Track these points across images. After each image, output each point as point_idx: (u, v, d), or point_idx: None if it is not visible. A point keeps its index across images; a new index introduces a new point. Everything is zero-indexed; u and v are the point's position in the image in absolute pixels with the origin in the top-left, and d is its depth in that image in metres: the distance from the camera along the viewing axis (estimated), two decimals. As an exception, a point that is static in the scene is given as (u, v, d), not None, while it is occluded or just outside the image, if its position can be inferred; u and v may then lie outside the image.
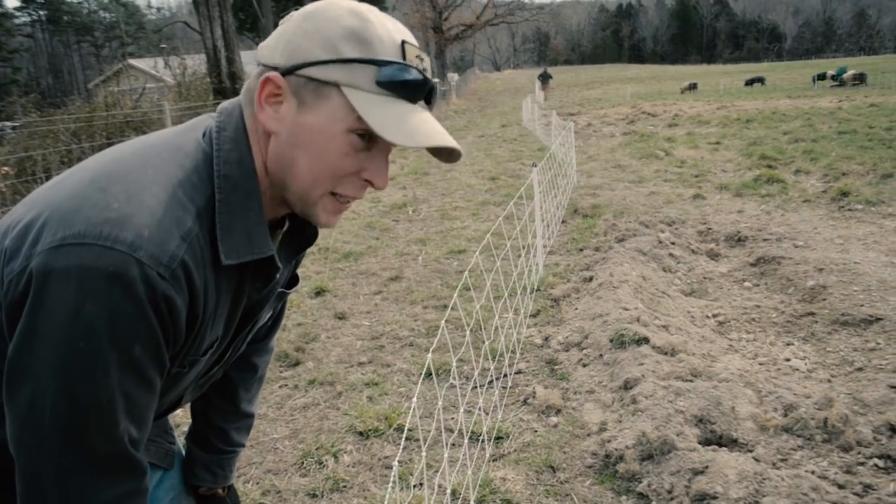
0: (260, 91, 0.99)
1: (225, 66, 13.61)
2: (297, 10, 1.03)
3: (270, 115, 0.99)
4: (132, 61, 36.47)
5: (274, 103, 0.99)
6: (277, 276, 1.11)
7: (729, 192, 8.50)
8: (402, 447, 3.17)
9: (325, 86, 0.96)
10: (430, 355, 2.64)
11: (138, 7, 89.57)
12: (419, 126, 0.98)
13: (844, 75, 30.28)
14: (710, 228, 6.59)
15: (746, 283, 5.29)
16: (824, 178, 8.78)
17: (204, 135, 1.03)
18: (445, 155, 1.08)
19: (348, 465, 3.16)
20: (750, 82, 34.25)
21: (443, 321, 3.25)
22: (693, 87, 32.79)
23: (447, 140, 1.00)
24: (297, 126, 0.98)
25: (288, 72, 0.97)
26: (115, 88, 14.31)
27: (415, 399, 2.34)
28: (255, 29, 34.36)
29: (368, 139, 0.99)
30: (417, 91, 1.00)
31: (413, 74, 0.98)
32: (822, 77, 32.10)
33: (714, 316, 4.69)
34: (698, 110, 19.10)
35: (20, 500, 0.93)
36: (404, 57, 0.98)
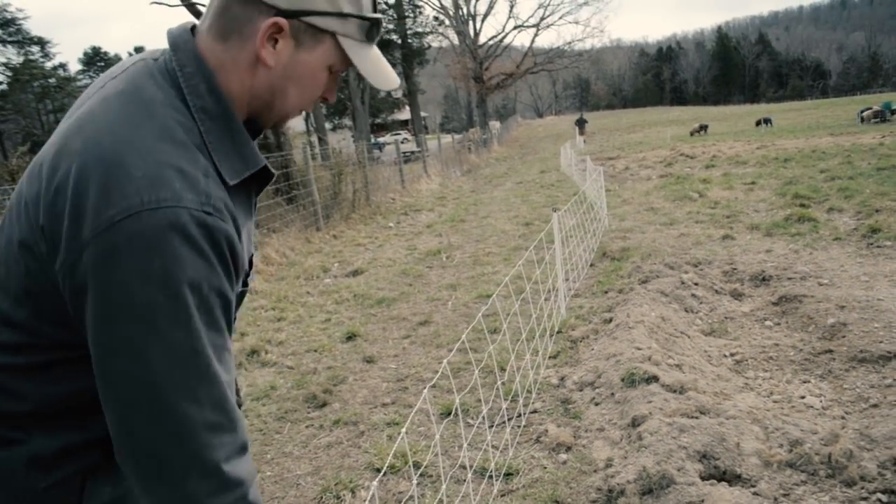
0: (263, 30, 1.12)
1: (268, 121, 14.13)
2: None
3: (269, 52, 1.13)
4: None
5: (271, 42, 1.14)
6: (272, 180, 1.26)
7: (759, 232, 8.51)
8: (416, 483, 3.31)
9: (322, 33, 1.15)
10: (424, 393, 2.80)
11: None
12: (384, 71, 1.24)
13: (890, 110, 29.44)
14: (735, 269, 6.63)
15: (767, 322, 5.33)
16: (857, 215, 8.73)
17: (161, 76, 1.12)
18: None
19: (365, 501, 3.31)
20: (759, 123, 33.87)
21: (447, 361, 3.41)
22: (703, 129, 32.44)
23: (397, 83, 1.25)
24: (293, 62, 1.16)
25: (289, 15, 1.12)
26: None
27: (436, 436, 2.49)
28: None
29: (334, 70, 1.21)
30: (379, 35, 1.24)
31: (381, 24, 1.22)
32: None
33: (732, 355, 4.75)
34: (737, 150, 19.05)
35: (137, 479, 1.01)
36: (375, 10, 1.21)
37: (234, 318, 1.15)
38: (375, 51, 1.24)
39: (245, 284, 1.19)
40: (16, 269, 1.06)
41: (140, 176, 0.97)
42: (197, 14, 13.77)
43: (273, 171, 1.25)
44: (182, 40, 1.16)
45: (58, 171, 1.01)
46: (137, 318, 0.95)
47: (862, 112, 29.03)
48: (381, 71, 1.23)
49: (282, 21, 1.11)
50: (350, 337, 6.07)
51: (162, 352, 0.96)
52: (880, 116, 27.73)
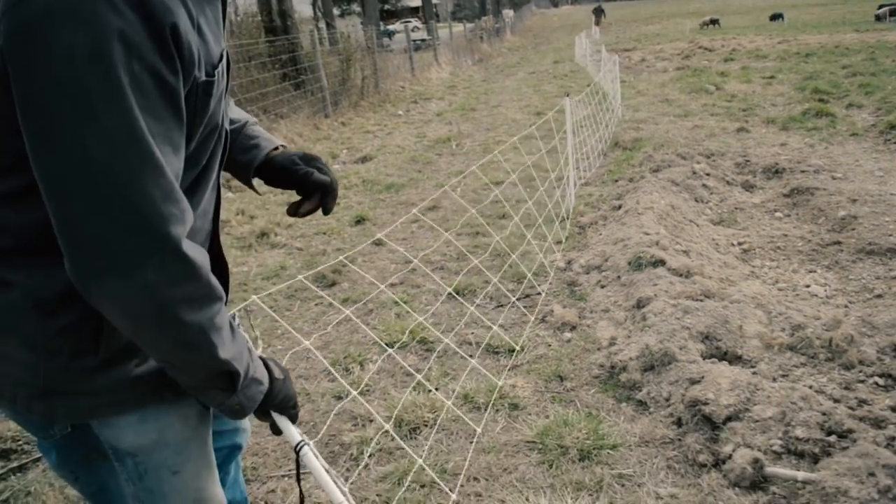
0: None
1: (275, 4, 13.70)
2: None
3: None
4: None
5: None
6: None
7: (775, 126, 8.36)
8: (422, 359, 3.40)
9: None
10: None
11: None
12: None
13: None
14: (748, 161, 6.55)
15: (777, 214, 5.31)
16: (876, 111, 8.54)
17: None
18: None
19: (373, 373, 3.40)
20: (772, 18, 32.53)
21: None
22: (714, 22, 31.20)
23: None
24: None
25: None
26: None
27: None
28: (307, -35, 34.30)
29: None
30: None
31: None
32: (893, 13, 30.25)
33: (739, 244, 4.76)
34: (758, 44, 18.48)
35: (87, 277, 0.95)
36: None
37: (205, 114, 1.08)
38: None
39: (210, 75, 1.07)
40: None
41: None
42: None
43: None
44: None
45: None
46: (65, 100, 0.85)
47: (878, 9, 27.80)
48: None
49: None
50: (359, 221, 6.09)
51: (97, 137, 0.87)
52: None
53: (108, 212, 0.91)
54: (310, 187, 1.50)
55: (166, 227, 0.94)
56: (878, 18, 26.44)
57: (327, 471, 1.38)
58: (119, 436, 1.25)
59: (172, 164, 0.97)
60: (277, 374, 1.30)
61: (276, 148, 1.54)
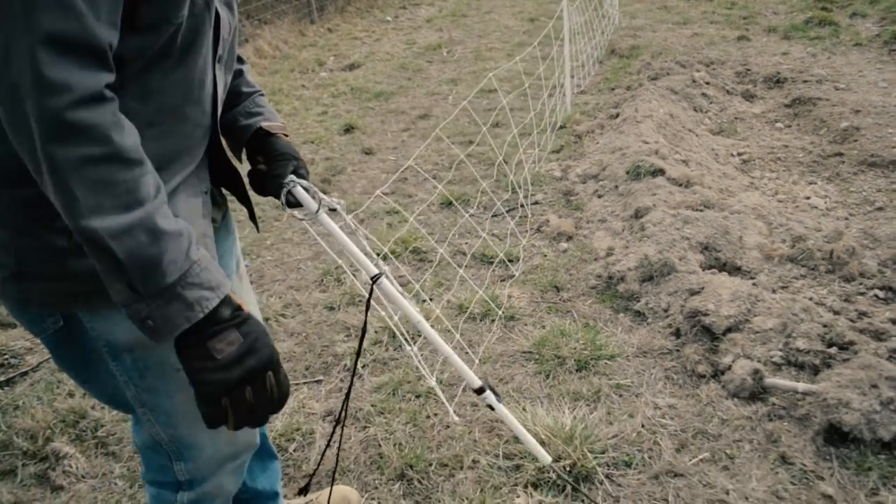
0: None
1: None
2: None
3: None
4: None
5: None
6: None
7: (776, 35, 8.11)
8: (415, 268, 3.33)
9: None
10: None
11: None
12: None
13: None
14: (749, 70, 6.36)
15: (778, 124, 5.18)
16: (881, 21, 8.28)
17: None
18: None
19: (364, 283, 3.33)
20: None
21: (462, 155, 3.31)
22: None
23: None
24: None
25: None
26: None
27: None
28: None
29: None
30: None
31: None
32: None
33: (739, 154, 4.65)
34: (759, -50, 17.87)
35: None
36: None
37: None
38: None
39: None
40: None
41: None
42: None
43: None
44: None
45: None
46: None
47: None
48: None
49: None
50: (348, 129, 5.91)
51: None
52: None
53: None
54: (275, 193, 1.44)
55: (55, 65, 0.85)
56: None
57: (402, 295, 1.49)
58: (113, 329, 1.15)
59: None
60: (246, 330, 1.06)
61: (284, 134, 1.50)
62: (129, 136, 0.94)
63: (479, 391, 1.60)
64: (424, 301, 3.03)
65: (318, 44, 10.19)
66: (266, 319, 3.11)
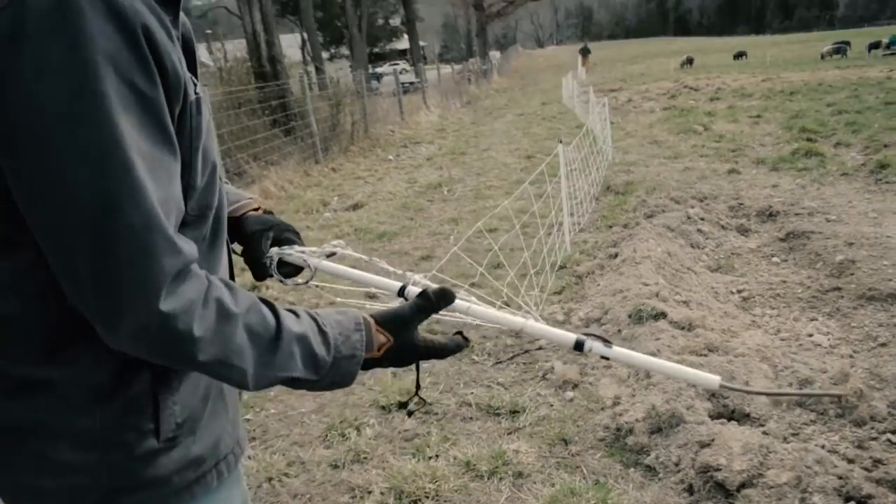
0: None
1: (265, 49, 13.76)
2: None
3: None
4: (177, 47, 37.08)
5: None
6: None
7: (765, 167, 8.39)
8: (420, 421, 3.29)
9: None
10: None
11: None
12: None
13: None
14: (741, 204, 6.54)
15: (775, 259, 5.27)
16: (865, 150, 8.59)
17: None
18: None
19: (370, 438, 3.29)
20: (736, 56, 35.43)
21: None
22: (689, 61, 32.70)
23: None
24: None
25: None
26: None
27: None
28: (296, 12, 34.75)
29: None
30: None
31: None
32: (875, 46, 31.15)
33: (739, 291, 4.70)
34: (742, 83, 18.71)
35: (67, 290, 0.88)
36: None
37: (195, 138, 0.98)
38: None
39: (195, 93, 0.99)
40: None
41: None
42: None
43: None
44: None
45: None
46: (40, 122, 0.78)
47: (823, 49, 31.11)
48: None
49: None
50: (351, 271, 6.00)
51: (80, 159, 0.79)
52: (841, 52, 29.80)
53: (103, 242, 0.82)
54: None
55: (153, 263, 0.85)
56: (823, 57, 29.57)
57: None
58: None
59: (167, 190, 0.88)
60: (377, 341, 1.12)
61: (257, 209, 1.43)
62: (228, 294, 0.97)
63: (578, 346, 1.23)
64: (430, 458, 2.99)
65: (322, 183, 10.51)
66: (269, 479, 3.05)
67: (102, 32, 0.80)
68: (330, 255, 1.37)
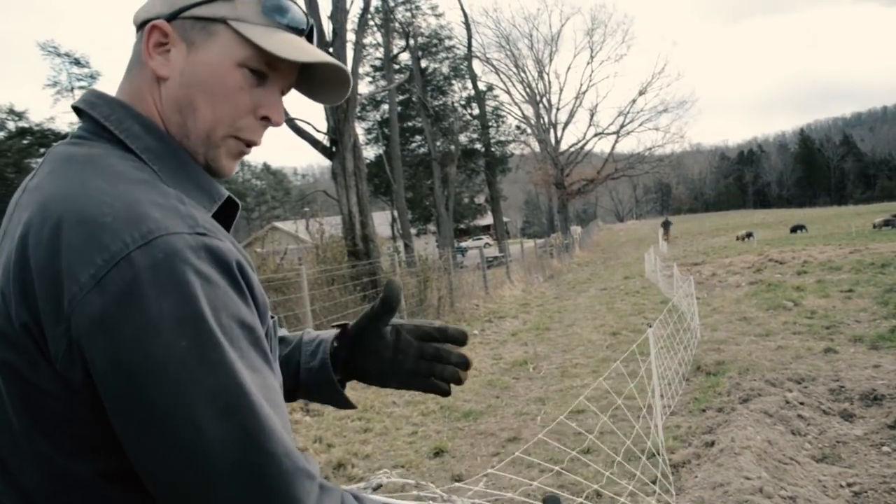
0: (147, 40, 1.00)
1: (359, 229, 14.54)
2: None
3: (160, 62, 1.00)
4: (277, 224, 39.39)
5: (162, 52, 1.00)
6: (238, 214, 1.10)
7: (864, 345, 8.07)
8: None
9: (212, 23, 0.99)
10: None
11: (285, 175, 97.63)
12: (309, 49, 1.05)
13: None
14: (842, 386, 6.27)
15: (885, 448, 4.96)
16: (971, 328, 8.21)
17: (81, 140, 0.98)
18: (333, 84, 1.13)
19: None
20: (794, 229, 35.05)
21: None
22: (749, 235, 32.41)
23: (335, 60, 1.07)
24: (189, 66, 0.99)
25: (172, 17, 0.99)
26: (261, 249, 15.44)
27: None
28: (388, 192, 36.77)
29: (260, 76, 1.03)
30: (300, 22, 1.06)
31: (294, 7, 1.05)
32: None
33: (849, 485, 4.42)
34: (829, 255, 18.38)
35: None
36: None
37: (277, 359, 1.02)
38: (297, 38, 1.05)
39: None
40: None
41: (111, 221, 0.82)
42: (300, 132, 14.38)
43: (237, 200, 1.09)
44: (94, 96, 1.02)
45: (8, 269, 0.86)
46: (163, 377, 0.78)
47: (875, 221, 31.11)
48: (295, 46, 1.02)
49: (161, 23, 0.99)
50: (437, 453, 5.96)
51: (205, 409, 0.79)
52: (891, 224, 29.31)
53: (233, 485, 0.81)
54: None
55: (297, 486, 0.85)
56: (875, 227, 29.71)
57: None
58: None
59: (282, 414, 0.89)
60: None
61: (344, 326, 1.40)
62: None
63: None
64: None
65: (407, 360, 10.63)
66: None
67: (208, 278, 0.83)
68: (377, 488, 1.35)
